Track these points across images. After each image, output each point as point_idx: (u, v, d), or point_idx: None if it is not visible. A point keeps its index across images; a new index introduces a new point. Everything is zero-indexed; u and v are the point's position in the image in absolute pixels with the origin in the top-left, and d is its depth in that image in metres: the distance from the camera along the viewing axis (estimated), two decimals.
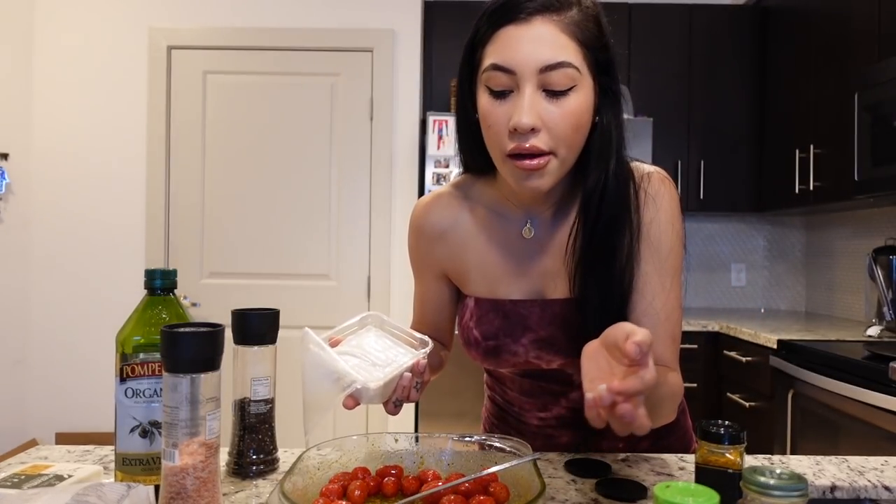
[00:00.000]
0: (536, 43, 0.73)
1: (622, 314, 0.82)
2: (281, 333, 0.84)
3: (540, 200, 0.87)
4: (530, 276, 0.89)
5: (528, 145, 0.74)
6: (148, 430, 0.71)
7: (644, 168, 0.86)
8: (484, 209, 0.91)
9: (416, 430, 2.82)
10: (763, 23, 3.04)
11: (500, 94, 0.76)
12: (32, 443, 2.98)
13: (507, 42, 0.74)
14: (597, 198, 0.81)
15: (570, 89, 0.74)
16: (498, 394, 1.01)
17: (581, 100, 0.75)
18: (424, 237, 0.95)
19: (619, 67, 0.81)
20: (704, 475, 0.65)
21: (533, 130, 0.74)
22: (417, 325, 1.02)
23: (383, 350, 0.78)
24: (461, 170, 0.95)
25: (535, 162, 0.75)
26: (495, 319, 0.89)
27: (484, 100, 0.77)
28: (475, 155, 0.87)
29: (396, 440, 0.77)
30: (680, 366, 0.86)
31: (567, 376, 0.91)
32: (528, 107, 0.73)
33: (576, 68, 0.74)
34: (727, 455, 0.64)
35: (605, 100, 0.79)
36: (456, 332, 0.99)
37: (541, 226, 0.88)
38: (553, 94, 0.74)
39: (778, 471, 0.50)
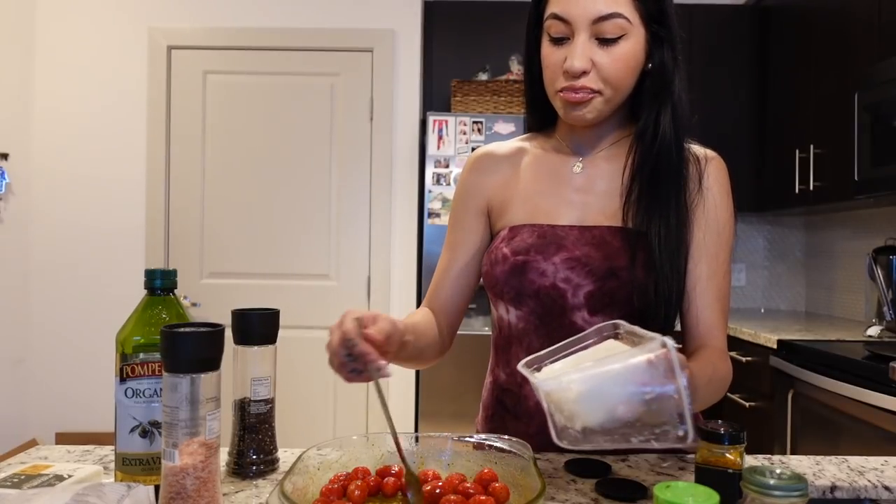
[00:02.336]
0: None
1: (671, 251, 0.85)
2: (281, 333, 0.84)
3: (591, 138, 0.94)
4: (573, 206, 0.93)
5: (578, 85, 0.84)
6: (148, 430, 0.71)
7: (705, 149, 0.94)
8: (540, 150, 1.00)
9: (416, 430, 2.82)
10: (763, 22, 3.04)
11: (557, 41, 0.86)
12: (32, 443, 2.97)
13: None
14: (649, 135, 0.88)
15: (620, 37, 0.83)
16: (501, 366, 0.96)
17: (630, 47, 0.84)
18: (480, 169, 1.01)
19: (674, 19, 0.88)
20: (704, 475, 0.65)
21: (584, 73, 0.83)
22: (431, 295, 1.02)
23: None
24: (526, 130, 1.05)
25: (579, 95, 0.85)
26: (529, 238, 0.91)
27: (545, 44, 0.88)
28: (539, 108, 0.97)
29: None
30: None
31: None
32: (581, 53, 0.83)
33: (626, 18, 0.82)
34: (727, 455, 0.64)
35: (657, 46, 0.87)
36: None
37: (590, 164, 0.95)
38: (605, 41, 0.83)
39: (778, 471, 0.50)
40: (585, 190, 0.93)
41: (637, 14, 0.84)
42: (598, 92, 0.85)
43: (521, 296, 0.90)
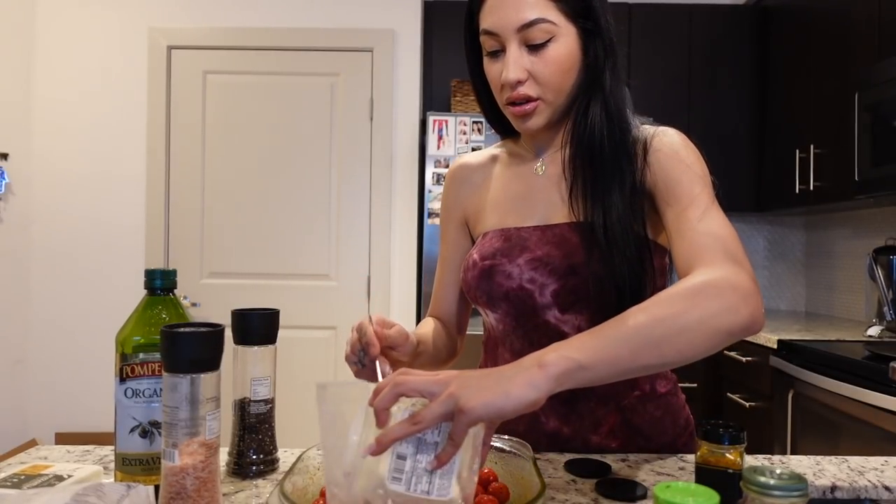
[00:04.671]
0: (512, 6, 0.83)
1: (617, 240, 0.83)
2: (281, 333, 0.84)
3: (546, 138, 0.96)
4: (537, 207, 0.95)
5: (518, 93, 0.86)
6: (148, 430, 0.71)
7: (657, 127, 0.91)
8: (508, 155, 1.03)
9: None
10: (763, 23, 3.04)
11: (493, 54, 0.88)
12: (32, 443, 2.97)
13: (491, 8, 0.85)
14: (580, 127, 0.89)
15: (548, 41, 0.84)
16: (490, 366, 0.98)
17: (561, 48, 0.85)
18: (456, 181, 1.06)
19: (602, 10, 0.87)
20: (704, 475, 0.65)
21: (519, 82, 0.85)
22: (434, 306, 1.09)
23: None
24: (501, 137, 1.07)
25: (523, 107, 0.87)
26: (496, 242, 0.94)
27: (485, 60, 0.90)
28: (496, 118, 0.98)
29: None
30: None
31: (561, 335, 0.89)
32: (513, 63, 0.84)
33: (551, 22, 0.83)
34: (727, 455, 0.64)
35: (589, 41, 0.87)
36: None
37: (551, 162, 0.96)
38: (534, 47, 0.84)
39: (778, 471, 0.50)
40: (549, 189, 0.94)
41: (562, 15, 0.84)
42: (539, 98, 0.86)
43: (492, 299, 0.93)
